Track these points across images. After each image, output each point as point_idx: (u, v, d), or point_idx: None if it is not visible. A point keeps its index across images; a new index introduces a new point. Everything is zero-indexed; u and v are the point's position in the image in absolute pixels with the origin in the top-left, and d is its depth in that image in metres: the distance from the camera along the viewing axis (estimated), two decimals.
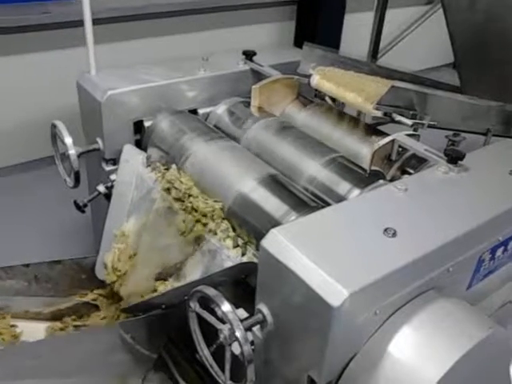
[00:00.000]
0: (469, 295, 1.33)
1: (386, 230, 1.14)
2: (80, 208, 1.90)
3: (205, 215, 1.54)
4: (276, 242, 1.11)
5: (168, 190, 1.67)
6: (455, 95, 1.94)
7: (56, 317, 1.75)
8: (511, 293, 1.60)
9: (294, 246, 1.08)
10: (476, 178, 1.39)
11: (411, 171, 1.62)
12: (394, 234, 1.13)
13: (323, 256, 1.06)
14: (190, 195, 1.59)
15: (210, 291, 1.12)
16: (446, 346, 1.06)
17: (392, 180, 1.57)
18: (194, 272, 1.54)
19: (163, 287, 1.60)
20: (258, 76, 2.08)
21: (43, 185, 2.98)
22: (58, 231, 2.66)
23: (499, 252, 1.34)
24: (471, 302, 1.26)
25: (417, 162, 1.63)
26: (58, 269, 1.74)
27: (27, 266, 1.69)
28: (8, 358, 1.35)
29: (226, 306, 1.09)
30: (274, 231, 1.13)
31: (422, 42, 4.71)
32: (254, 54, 2.12)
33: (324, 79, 1.85)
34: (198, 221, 1.54)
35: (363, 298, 1.01)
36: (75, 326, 1.73)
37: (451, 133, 1.98)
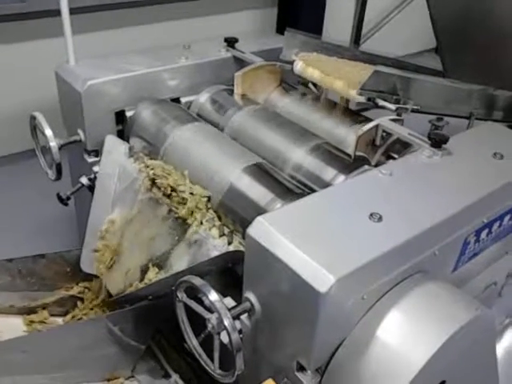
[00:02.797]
0: (454, 278, 1.34)
1: (371, 214, 1.14)
2: (63, 201, 1.88)
3: (189, 205, 1.53)
4: (262, 230, 1.10)
5: (151, 180, 1.65)
6: (438, 79, 1.95)
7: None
8: (496, 274, 1.62)
9: (279, 233, 1.07)
10: (460, 161, 1.40)
11: (395, 156, 1.62)
12: (380, 219, 1.13)
13: (309, 242, 1.05)
14: (172, 184, 1.58)
15: (197, 281, 1.11)
16: (433, 328, 1.06)
17: (377, 165, 1.57)
18: (180, 262, 1.53)
19: (150, 278, 1.59)
20: (240, 63, 2.06)
21: (25, 178, 2.94)
22: (41, 225, 2.63)
23: (484, 234, 1.35)
24: (457, 284, 1.28)
25: (401, 147, 1.62)
26: (42, 263, 1.72)
27: (10, 260, 1.66)
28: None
29: (213, 296, 1.09)
30: (259, 219, 1.12)
31: (405, 28, 4.70)
32: (236, 40, 2.10)
33: (307, 65, 1.84)
34: (182, 210, 1.53)
35: (350, 283, 1.01)
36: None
37: (434, 118, 1.99)
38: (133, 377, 1.61)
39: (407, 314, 1.10)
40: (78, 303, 1.79)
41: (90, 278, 1.76)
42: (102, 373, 1.53)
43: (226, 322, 1.07)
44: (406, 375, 1.03)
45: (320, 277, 0.98)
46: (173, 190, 1.58)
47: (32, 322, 1.70)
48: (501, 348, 1.72)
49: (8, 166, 3.11)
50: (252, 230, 1.11)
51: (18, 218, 2.68)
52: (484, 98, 2.04)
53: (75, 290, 1.78)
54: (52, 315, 1.76)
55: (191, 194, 1.53)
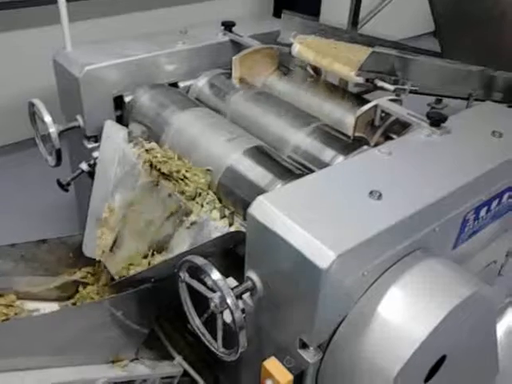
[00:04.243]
0: (454, 255, 1.35)
1: (371, 192, 1.14)
2: (63, 187, 1.88)
3: (190, 188, 1.53)
4: (263, 209, 1.11)
5: (151, 165, 1.65)
6: (437, 60, 1.94)
7: (45, 296, 1.75)
8: (496, 252, 1.63)
9: (280, 212, 1.08)
10: (459, 140, 1.41)
11: (394, 137, 1.63)
12: (380, 197, 1.14)
13: (310, 220, 1.06)
14: (172, 168, 1.58)
15: (199, 260, 1.12)
16: (433, 303, 1.08)
17: (376, 146, 1.57)
18: (181, 245, 1.54)
19: (152, 261, 1.60)
20: (238, 47, 2.05)
21: (24, 167, 2.95)
22: (43, 211, 2.64)
23: (483, 212, 1.36)
24: (457, 262, 1.28)
25: (400, 128, 1.63)
26: (45, 248, 1.73)
27: (13, 246, 1.67)
28: (1, 335, 1.34)
29: (216, 274, 1.10)
30: (260, 198, 1.13)
31: (403, 11, 4.68)
32: (233, 24, 2.10)
33: (305, 47, 1.83)
34: (182, 193, 1.53)
35: (351, 260, 1.02)
36: None
37: (433, 101, 1.99)
38: (137, 359, 1.62)
39: (408, 290, 1.11)
40: (81, 288, 1.80)
41: (92, 262, 1.77)
42: (107, 355, 1.54)
43: (229, 301, 1.07)
44: (406, 350, 1.04)
45: (321, 253, 0.99)
46: (173, 173, 1.58)
47: None
48: (501, 327, 1.73)
49: (6, 155, 3.11)
50: (253, 210, 1.12)
51: (19, 206, 2.69)
52: (483, 79, 2.03)
53: (78, 275, 1.79)
54: (55, 300, 1.77)
55: (192, 176, 1.53)
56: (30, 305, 1.68)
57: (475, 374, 1.34)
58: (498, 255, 1.66)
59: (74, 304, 1.79)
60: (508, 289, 1.80)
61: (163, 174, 1.62)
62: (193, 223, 1.51)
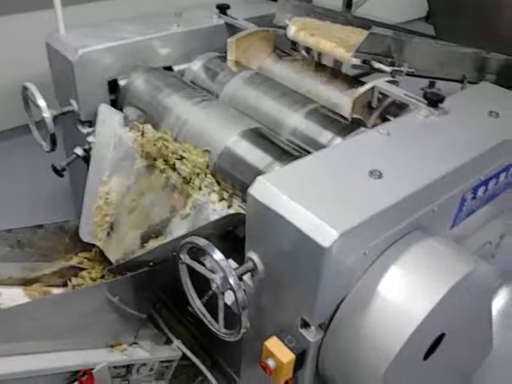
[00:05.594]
0: (452, 235, 1.36)
1: (371, 172, 1.15)
2: (58, 172, 1.87)
3: (187, 170, 1.52)
4: (263, 189, 1.10)
5: (147, 148, 1.64)
6: (432, 41, 1.94)
7: (41, 282, 1.74)
8: (491, 233, 1.65)
9: (281, 192, 1.08)
10: (456, 120, 1.41)
11: (391, 118, 1.63)
12: (380, 176, 1.14)
13: (311, 199, 1.06)
14: (169, 150, 1.57)
15: (201, 241, 1.12)
16: (433, 281, 1.08)
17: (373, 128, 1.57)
18: (179, 228, 1.53)
19: (149, 246, 1.60)
20: (233, 30, 2.04)
21: (21, 152, 2.94)
22: (38, 197, 2.63)
23: (480, 191, 1.37)
24: (455, 241, 1.29)
25: (397, 109, 1.63)
26: (41, 233, 1.72)
27: (9, 231, 1.66)
28: (4, 320, 1.34)
29: (218, 255, 1.09)
30: (260, 179, 1.12)
31: None
32: (228, 7, 2.08)
33: (301, 29, 1.82)
34: (180, 174, 1.53)
35: (352, 239, 1.02)
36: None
37: (426, 85, 1.99)
38: (136, 343, 1.63)
39: (408, 269, 1.11)
40: (78, 273, 1.79)
41: (89, 247, 1.77)
42: (106, 339, 1.54)
43: (232, 281, 1.07)
44: (407, 328, 1.05)
45: (323, 232, 0.99)
46: (169, 155, 1.57)
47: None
48: (494, 307, 1.75)
49: (3, 141, 3.08)
50: (253, 190, 1.11)
51: (15, 191, 2.68)
52: (477, 61, 2.03)
53: (75, 260, 1.79)
54: (52, 286, 1.76)
55: (190, 156, 1.52)
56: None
57: (471, 352, 1.36)
58: (493, 236, 1.68)
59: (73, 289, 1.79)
60: (500, 270, 1.82)
61: (159, 156, 1.61)
62: (191, 206, 1.50)
